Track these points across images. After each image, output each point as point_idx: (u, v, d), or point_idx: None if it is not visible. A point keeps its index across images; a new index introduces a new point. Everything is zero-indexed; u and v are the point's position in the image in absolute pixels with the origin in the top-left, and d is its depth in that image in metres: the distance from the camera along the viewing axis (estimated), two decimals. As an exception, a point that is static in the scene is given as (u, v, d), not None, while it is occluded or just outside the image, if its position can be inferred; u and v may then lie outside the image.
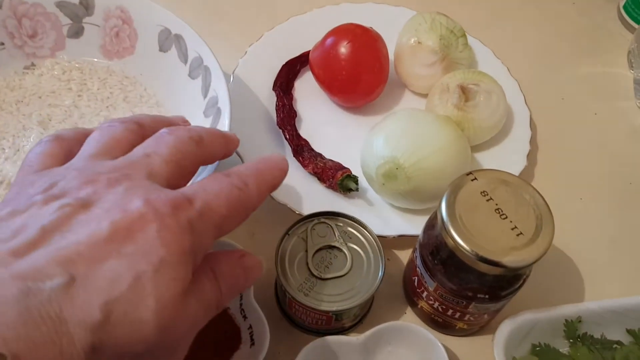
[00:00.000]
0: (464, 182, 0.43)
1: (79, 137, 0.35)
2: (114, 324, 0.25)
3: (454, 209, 0.42)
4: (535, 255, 0.40)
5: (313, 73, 0.62)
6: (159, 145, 0.32)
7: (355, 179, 0.55)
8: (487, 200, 0.42)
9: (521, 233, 0.41)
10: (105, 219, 0.27)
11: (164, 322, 0.26)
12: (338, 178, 0.55)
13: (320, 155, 0.58)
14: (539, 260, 0.40)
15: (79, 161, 0.32)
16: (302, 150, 0.58)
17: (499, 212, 0.42)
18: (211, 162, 0.37)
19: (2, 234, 0.26)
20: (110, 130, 0.34)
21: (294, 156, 0.58)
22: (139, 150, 0.33)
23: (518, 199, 0.43)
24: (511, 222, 0.41)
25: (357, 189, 0.55)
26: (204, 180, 0.31)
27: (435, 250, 0.44)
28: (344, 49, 0.59)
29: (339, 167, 0.56)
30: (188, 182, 0.35)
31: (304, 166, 0.57)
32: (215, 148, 0.36)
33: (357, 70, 0.59)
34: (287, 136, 0.59)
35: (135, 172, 0.30)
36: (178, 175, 0.32)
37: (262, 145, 0.58)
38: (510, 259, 0.40)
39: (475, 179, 0.44)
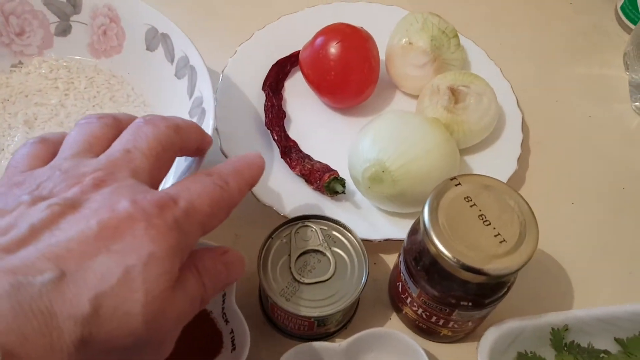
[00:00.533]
0: (448, 187, 0.43)
1: (62, 139, 0.35)
2: (103, 317, 0.25)
3: (436, 215, 0.41)
4: (518, 263, 0.39)
5: (303, 73, 0.61)
6: (137, 139, 0.33)
7: (342, 182, 0.54)
8: (471, 206, 0.42)
9: (504, 240, 0.40)
10: (94, 218, 0.27)
11: (151, 316, 0.27)
12: (325, 180, 0.54)
13: (308, 156, 0.58)
14: (525, 267, 0.39)
15: (61, 161, 0.32)
16: (290, 151, 0.58)
17: (483, 219, 0.41)
18: (188, 152, 0.37)
19: None
20: (88, 128, 0.34)
21: (281, 157, 0.57)
22: (118, 146, 0.33)
23: (502, 205, 0.42)
24: (494, 228, 0.41)
25: (343, 192, 0.54)
26: (186, 180, 0.32)
27: (418, 256, 0.44)
28: (333, 49, 0.58)
29: (327, 169, 0.56)
30: (168, 171, 0.35)
31: (292, 167, 0.56)
32: (191, 136, 0.37)
33: (346, 70, 0.58)
34: (275, 137, 0.58)
35: (119, 171, 0.31)
36: (158, 167, 0.33)
37: (250, 145, 0.58)
38: (493, 267, 0.39)
39: (460, 184, 0.43)
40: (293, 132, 0.60)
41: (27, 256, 0.25)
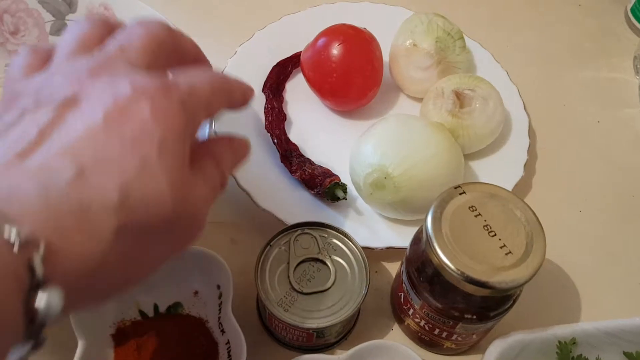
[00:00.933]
0: (452, 195, 0.41)
1: (53, 47, 0.34)
2: (133, 204, 0.26)
3: (440, 225, 0.40)
4: (524, 276, 0.38)
5: (304, 75, 0.60)
6: (131, 37, 0.32)
7: (343, 187, 0.53)
8: (476, 216, 0.40)
9: (510, 252, 0.39)
10: (98, 108, 0.27)
11: (177, 196, 0.28)
12: (326, 186, 0.53)
13: (309, 160, 0.56)
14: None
15: (57, 63, 0.32)
16: (290, 155, 0.56)
17: (488, 229, 0.40)
18: (185, 61, 0.35)
19: (3, 144, 0.27)
20: (79, 29, 0.33)
21: (281, 161, 0.56)
22: (112, 44, 0.32)
23: (508, 215, 0.40)
24: (500, 239, 0.39)
25: (345, 198, 0.53)
26: (181, 70, 0.32)
27: (421, 267, 0.42)
28: (335, 50, 0.56)
29: (328, 174, 0.54)
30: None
31: (292, 172, 0.55)
32: (187, 45, 0.36)
33: (348, 73, 0.57)
34: (275, 140, 0.57)
35: (115, 62, 0.30)
36: (155, 66, 0.32)
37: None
38: (498, 280, 0.37)
39: (464, 192, 0.41)
40: (293, 135, 0.59)
41: (42, 158, 0.26)
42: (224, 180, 0.34)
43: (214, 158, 0.33)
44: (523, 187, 0.57)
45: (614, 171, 0.60)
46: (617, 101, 0.66)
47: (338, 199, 0.53)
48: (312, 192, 0.54)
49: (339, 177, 0.54)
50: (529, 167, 0.57)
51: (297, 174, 0.54)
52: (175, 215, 0.28)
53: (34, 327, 0.23)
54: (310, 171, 0.54)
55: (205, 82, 0.32)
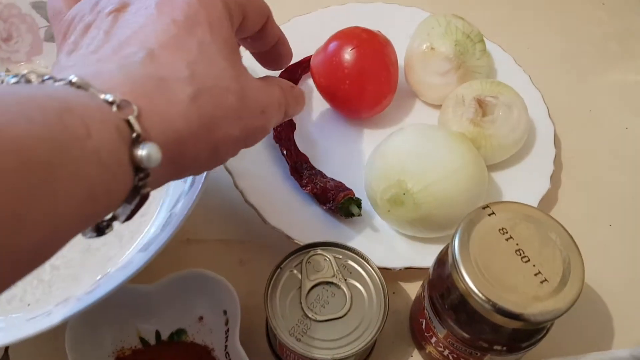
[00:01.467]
0: (480, 217, 0.38)
1: None
2: (200, 78, 0.29)
3: (467, 249, 0.36)
4: (562, 307, 0.35)
5: (314, 81, 0.56)
6: None
7: (358, 203, 0.49)
8: (507, 240, 0.37)
9: (545, 280, 0.35)
10: (149, 2, 0.31)
11: (235, 73, 0.31)
12: (339, 201, 0.49)
13: (320, 173, 0.53)
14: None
15: None
16: (300, 167, 0.53)
17: (520, 254, 0.36)
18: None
19: (77, 52, 0.30)
20: None
21: (291, 174, 0.52)
22: None
23: (542, 238, 0.37)
24: (534, 266, 0.36)
25: (359, 214, 0.49)
26: None
27: (446, 294, 0.39)
28: (348, 55, 0.53)
29: (342, 187, 0.51)
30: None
31: (302, 186, 0.51)
32: None
33: (362, 79, 0.53)
34: (285, 152, 0.53)
35: None
36: None
37: (257, 161, 0.53)
38: (533, 312, 0.34)
39: (493, 213, 0.38)
40: (303, 146, 0.55)
41: (114, 49, 0.29)
42: (288, 111, 0.37)
43: (281, 87, 0.36)
44: (548, 200, 0.53)
45: (644, 181, 0.57)
46: (646, 106, 0.63)
47: (352, 215, 0.49)
48: (324, 207, 0.50)
49: (352, 192, 0.50)
50: (555, 177, 0.54)
51: (308, 188, 0.51)
52: (238, 95, 0.31)
53: (139, 177, 0.26)
54: (322, 185, 0.51)
55: None
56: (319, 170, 0.53)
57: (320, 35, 0.57)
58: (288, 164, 0.53)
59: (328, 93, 0.55)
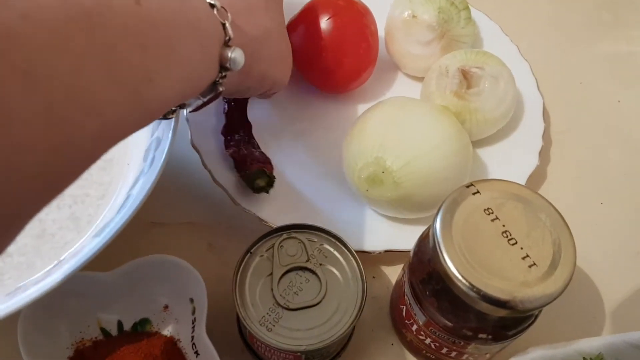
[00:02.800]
0: (464, 196, 0.35)
1: None
2: (272, 10, 0.41)
3: (450, 232, 0.33)
4: (551, 293, 0.32)
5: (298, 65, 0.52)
6: None
7: (268, 179, 0.46)
8: (492, 220, 0.34)
9: (534, 264, 0.33)
10: None
11: (280, 19, 0.42)
12: (250, 170, 0.45)
13: (254, 144, 0.49)
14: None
15: None
16: (235, 128, 0.49)
17: (507, 236, 0.34)
18: None
19: None
20: None
21: (221, 133, 0.48)
22: None
23: (531, 218, 0.34)
24: (522, 249, 0.33)
25: (266, 191, 0.46)
26: None
27: (427, 279, 0.36)
28: (324, 25, 0.49)
29: (262, 160, 0.47)
30: None
31: (226, 147, 0.48)
32: None
33: (340, 51, 0.50)
34: (226, 107, 0.49)
35: None
36: None
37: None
38: (521, 299, 0.32)
39: (478, 192, 0.35)
40: (276, 121, 0.52)
41: None
42: None
43: None
44: (537, 176, 0.50)
45: (636, 157, 0.54)
46: (638, 78, 0.60)
47: (259, 189, 0.46)
48: (238, 175, 0.46)
49: (272, 167, 0.47)
50: (544, 153, 0.51)
51: (230, 151, 0.47)
52: (288, 44, 0.43)
53: (221, 75, 0.32)
54: (245, 152, 0.47)
55: None
56: (255, 142, 0.49)
57: (295, 3, 0.53)
58: (225, 120, 0.49)
59: (304, 66, 0.52)
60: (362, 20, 0.51)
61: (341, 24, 0.50)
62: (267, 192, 0.46)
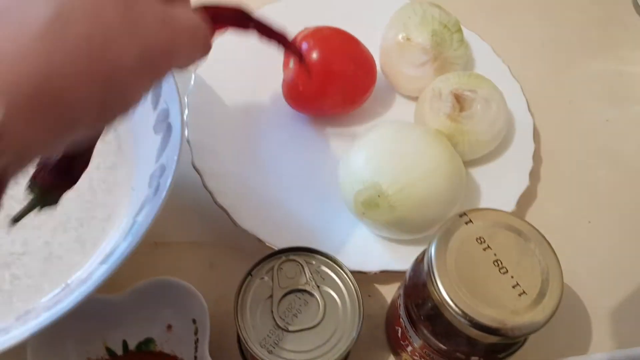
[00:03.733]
0: (457, 225, 0.36)
1: None
2: None
3: (444, 260, 0.35)
4: (539, 321, 0.34)
5: (288, 93, 0.53)
6: None
7: (39, 192, 0.32)
8: (484, 249, 0.36)
9: (524, 292, 0.34)
10: None
11: None
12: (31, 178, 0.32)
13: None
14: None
15: None
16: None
17: (498, 265, 0.35)
18: None
19: None
20: None
21: None
22: None
23: (521, 247, 0.36)
24: (512, 277, 0.35)
25: (36, 207, 0.32)
26: None
27: (421, 303, 0.37)
28: (319, 55, 0.50)
29: (57, 170, 0.32)
30: None
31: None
32: None
33: (337, 79, 0.51)
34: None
35: None
36: None
37: (228, 158, 0.51)
38: (511, 327, 0.33)
39: (471, 221, 0.36)
40: (273, 143, 0.53)
41: None
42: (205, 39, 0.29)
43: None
44: (527, 195, 0.52)
45: (624, 175, 0.56)
46: (627, 97, 0.61)
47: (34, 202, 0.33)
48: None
49: (50, 179, 0.32)
50: (534, 173, 0.52)
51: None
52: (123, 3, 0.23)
53: None
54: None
55: None
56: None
57: (293, 23, 0.54)
58: None
59: (305, 101, 0.53)
60: (357, 48, 0.52)
61: (338, 53, 0.51)
62: (38, 209, 0.33)
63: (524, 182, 0.50)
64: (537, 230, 0.36)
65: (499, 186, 0.51)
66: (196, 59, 0.29)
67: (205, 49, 0.29)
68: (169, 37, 0.25)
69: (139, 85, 0.25)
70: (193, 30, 0.27)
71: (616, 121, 0.59)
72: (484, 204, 0.50)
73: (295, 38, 0.52)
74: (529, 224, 0.37)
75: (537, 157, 0.54)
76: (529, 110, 0.55)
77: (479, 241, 0.36)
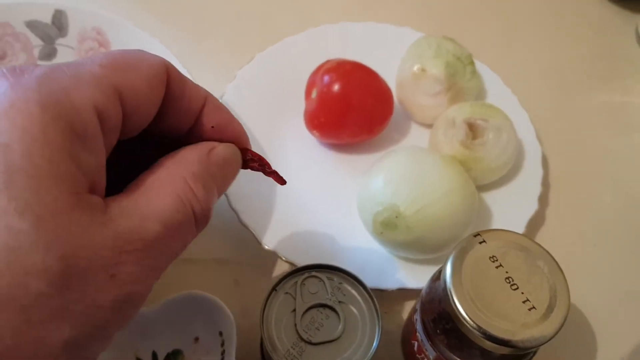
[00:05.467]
0: (472, 245, 0.39)
1: None
2: None
3: (460, 277, 0.37)
4: (548, 334, 0.36)
5: (312, 125, 0.56)
6: None
7: None
8: (497, 267, 0.38)
9: (533, 307, 0.36)
10: None
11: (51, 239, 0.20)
12: None
13: None
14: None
15: None
16: None
17: (510, 282, 0.37)
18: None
19: None
20: None
21: None
22: None
23: (531, 266, 0.38)
24: (522, 293, 0.37)
25: None
26: None
27: (437, 318, 0.40)
28: (342, 87, 0.53)
29: None
30: None
31: None
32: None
33: (358, 110, 0.54)
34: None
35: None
36: None
37: (251, 180, 0.53)
38: (522, 339, 0.35)
39: (484, 241, 0.39)
40: (293, 166, 0.57)
41: None
42: (202, 209, 0.26)
43: (176, 173, 0.25)
44: (537, 220, 0.54)
45: (629, 201, 0.58)
46: (631, 126, 0.64)
47: None
48: None
49: None
50: (543, 198, 0.55)
51: None
52: (54, 271, 0.20)
53: None
54: None
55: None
56: None
57: (312, 54, 0.58)
58: None
59: (326, 130, 0.56)
60: (376, 81, 0.56)
61: (358, 87, 0.54)
62: None
63: (533, 207, 0.53)
64: (546, 250, 0.39)
65: (509, 210, 0.53)
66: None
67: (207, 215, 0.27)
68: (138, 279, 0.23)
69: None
70: (185, 216, 0.26)
71: (621, 149, 0.62)
72: (495, 226, 0.52)
73: (319, 70, 0.55)
74: (538, 244, 0.39)
75: (545, 183, 0.57)
76: (538, 138, 0.58)
77: (492, 260, 0.38)
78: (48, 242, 0.19)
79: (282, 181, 0.34)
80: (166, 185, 0.25)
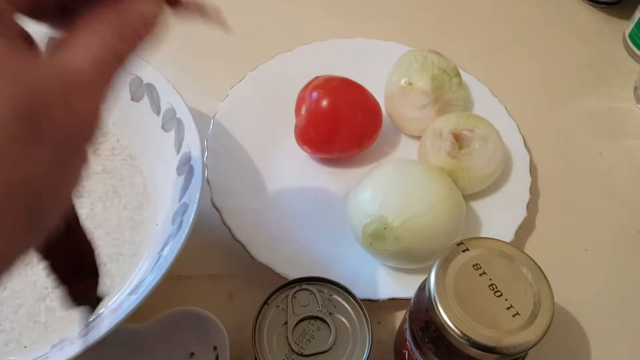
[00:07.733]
0: (455, 253, 0.40)
1: None
2: None
3: (444, 286, 0.38)
4: (532, 340, 0.36)
5: (303, 141, 0.57)
6: None
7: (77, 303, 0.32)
8: (480, 275, 0.39)
9: (517, 313, 0.37)
10: None
11: None
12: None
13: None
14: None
15: None
16: None
17: (493, 289, 0.38)
18: None
19: None
20: None
21: None
22: None
23: (514, 272, 0.39)
24: (506, 300, 0.38)
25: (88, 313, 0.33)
26: None
27: (425, 327, 0.40)
28: (332, 104, 0.55)
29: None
30: None
31: None
32: None
33: (347, 125, 0.55)
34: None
35: None
36: None
37: (242, 193, 0.55)
38: (506, 345, 0.36)
39: (467, 249, 0.40)
40: (285, 181, 0.58)
41: None
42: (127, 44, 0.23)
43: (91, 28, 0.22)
44: (526, 226, 0.55)
45: (618, 206, 0.59)
46: (619, 132, 0.65)
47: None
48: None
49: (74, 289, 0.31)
50: (532, 205, 0.56)
51: None
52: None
53: None
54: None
55: None
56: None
57: (303, 72, 0.59)
58: None
59: (316, 145, 0.57)
60: (364, 97, 0.57)
61: (347, 103, 0.55)
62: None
63: (521, 214, 0.53)
64: (529, 257, 0.40)
65: (498, 218, 0.54)
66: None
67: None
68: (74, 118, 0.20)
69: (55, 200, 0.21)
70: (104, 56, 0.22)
71: (609, 154, 0.63)
72: (484, 235, 0.53)
73: (308, 86, 0.56)
74: (521, 250, 0.40)
75: (534, 190, 0.58)
76: (526, 146, 0.58)
77: (475, 267, 0.39)
78: None
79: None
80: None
